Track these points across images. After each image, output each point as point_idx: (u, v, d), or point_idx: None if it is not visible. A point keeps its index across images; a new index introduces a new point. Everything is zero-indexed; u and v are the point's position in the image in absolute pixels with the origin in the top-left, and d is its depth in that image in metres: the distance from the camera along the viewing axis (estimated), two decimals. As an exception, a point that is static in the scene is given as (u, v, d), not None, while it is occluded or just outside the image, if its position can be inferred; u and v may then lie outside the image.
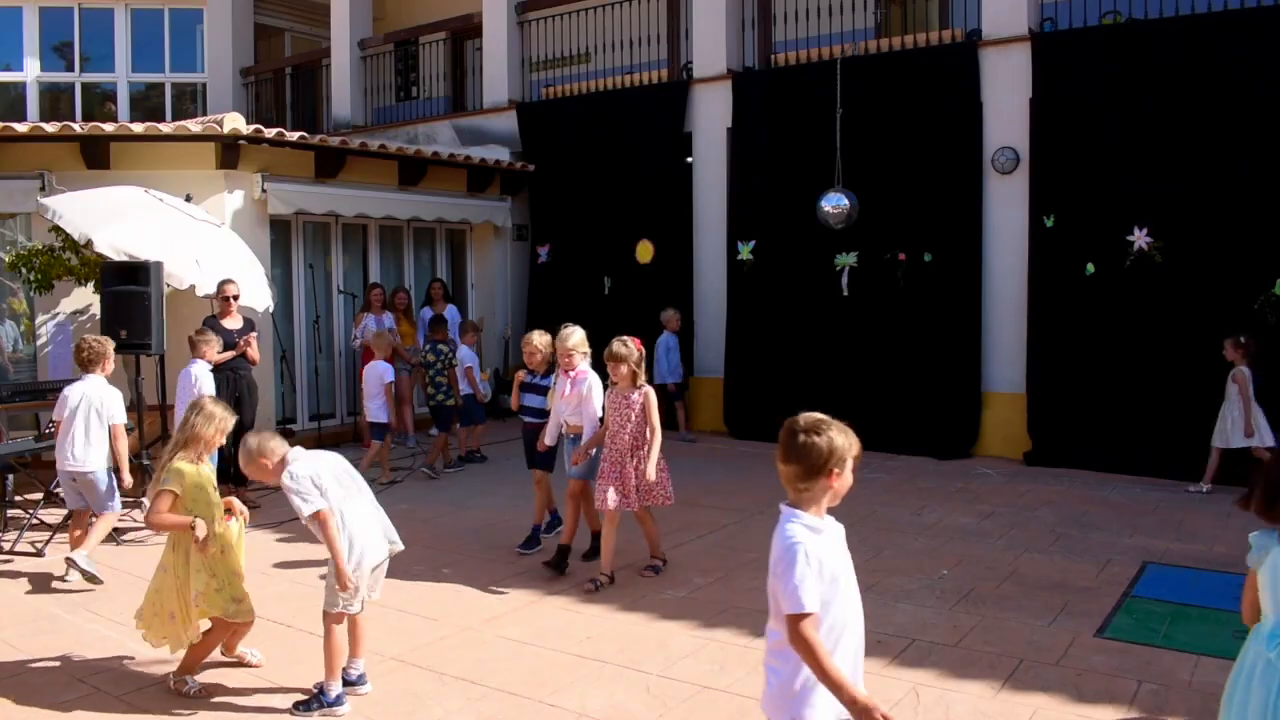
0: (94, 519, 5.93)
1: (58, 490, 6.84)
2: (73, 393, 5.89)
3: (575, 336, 5.94)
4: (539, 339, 6.39)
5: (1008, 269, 9.30)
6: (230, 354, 7.63)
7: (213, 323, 7.72)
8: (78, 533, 5.91)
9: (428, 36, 14.14)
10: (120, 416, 5.96)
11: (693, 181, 11.14)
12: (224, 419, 4.34)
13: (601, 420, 5.80)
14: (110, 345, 6.11)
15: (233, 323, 7.80)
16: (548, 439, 6.11)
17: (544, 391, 6.36)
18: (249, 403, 7.73)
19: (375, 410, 8.50)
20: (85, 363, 5.93)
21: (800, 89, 10.27)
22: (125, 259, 7.24)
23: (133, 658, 4.57)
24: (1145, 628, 4.83)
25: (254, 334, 7.87)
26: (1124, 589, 5.41)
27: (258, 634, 4.72)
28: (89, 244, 7.46)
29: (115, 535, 6.64)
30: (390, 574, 5.79)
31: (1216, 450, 7.72)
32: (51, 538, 6.50)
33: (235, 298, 7.78)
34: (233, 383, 7.65)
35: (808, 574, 2.44)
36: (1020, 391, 9.20)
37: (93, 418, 5.85)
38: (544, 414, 6.26)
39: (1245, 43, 8.12)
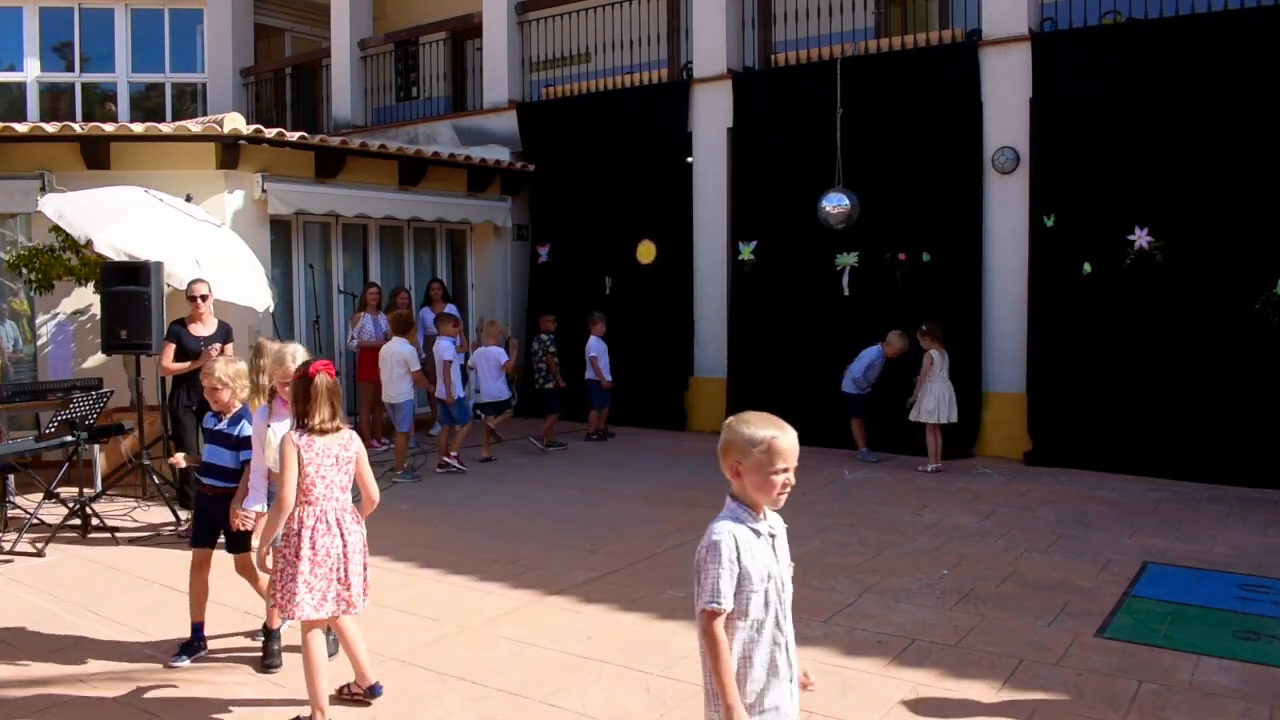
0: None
1: (58, 490, 6.86)
2: (384, 351, 8.83)
3: (302, 354, 4.40)
4: (225, 368, 4.74)
5: (1008, 269, 9.30)
6: (188, 365, 6.83)
7: (177, 330, 6.90)
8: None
9: (428, 36, 14.14)
10: (416, 364, 8.82)
11: (693, 181, 11.14)
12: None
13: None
14: (413, 315, 9.09)
15: (203, 329, 7.00)
16: (253, 503, 4.51)
17: (233, 444, 4.67)
18: None
19: (494, 391, 9.43)
20: (399, 331, 8.83)
21: (800, 89, 10.27)
22: (125, 259, 7.23)
23: (134, 658, 4.57)
24: (1145, 628, 4.83)
25: (227, 344, 6.94)
26: (1124, 589, 5.41)
27: (257, 634, 4.74)
28: (89, 244, 7.46)
29: (116, 538, 6.66)
30: (390, 574, 5.83)
31: (929, 427, 8.68)
32: (51, 537, 6.50)
33: (204, 298, 6.97)
34: (201, 399, 6.10)
35: None
36: (1020, 391, 9.20)
37: (396, 368, 8.51)
38: (235, 475, 4.65)
39: (1245, 43, 8.12)
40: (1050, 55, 9.02)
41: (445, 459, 9.03)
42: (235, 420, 4.71)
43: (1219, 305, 8.17)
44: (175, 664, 4.49)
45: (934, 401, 8.61)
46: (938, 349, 8.67)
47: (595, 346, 10.37)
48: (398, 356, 8.83)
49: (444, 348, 9.04)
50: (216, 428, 4.74)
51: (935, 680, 4.22)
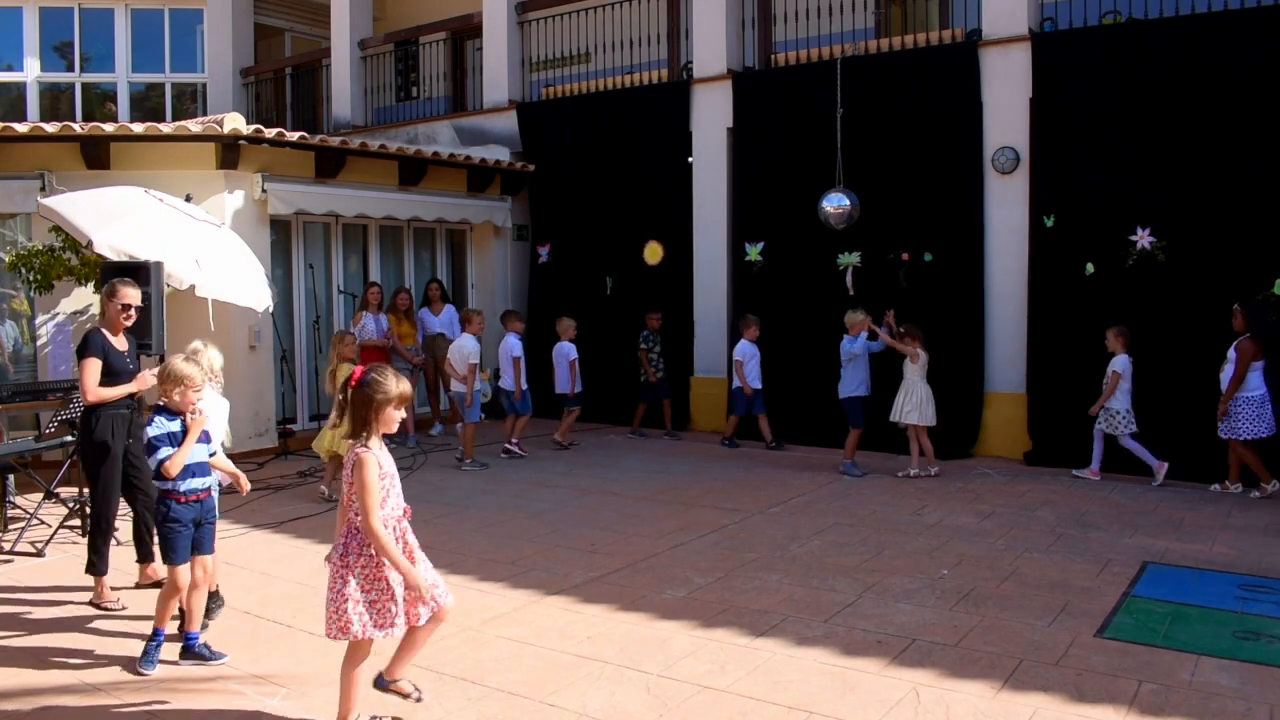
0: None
1: (58, 490, 6.86)
2: (453, 347, 9.20)
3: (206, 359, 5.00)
4: (199, 366, 4.73)
5: (1008, 269, 9.31)
6: (123, 390, 5.29)
7: (102, 342, 5.29)
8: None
9: (428, 36, 14.15)
10: (475, 359, 9.04)
11: (693, 182, 11.14)
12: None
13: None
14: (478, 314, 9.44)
15: (124, 344, 5.48)
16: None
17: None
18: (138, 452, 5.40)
19: (561, 384, 10.08)
20: (464, 323, 9.30)
21: (800, 89, 10.27)
22: (125, 259, 7.22)
23: (134, 658, 4.56)
24: (1145, 628, 4.83)
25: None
26: (1124, 589, 5.41)
27: (257, 635, 4.74)
28: (89, 244, 7.45)
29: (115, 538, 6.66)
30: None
31: (914, 429, 8.51)
32: (52, 537, 6.50)
33: (139, 309, 5.53)
34: (125, 426, 5.40)
35: None
36: (1020, 391, 9.20)
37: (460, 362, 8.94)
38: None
39: (1245, 43, 8.13)
40: (1050, 55, 9.02)
41: (508, 446, 9.56)
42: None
43: (1220, 305, 8.16)
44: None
45: (914, 403, 8.43)
46: (920, 348, 8.49)
47: (743, 350, 9.81)
48: (464, 351, 9.12)
49: (512, 344, 9.50)
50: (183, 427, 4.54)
51: (935, 680, 4.22)
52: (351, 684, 3.71)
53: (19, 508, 7.03)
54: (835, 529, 6.80)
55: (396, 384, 3.69)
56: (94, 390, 5.19)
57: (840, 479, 8.49)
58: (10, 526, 6.72)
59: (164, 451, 4.46)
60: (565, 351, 10.04)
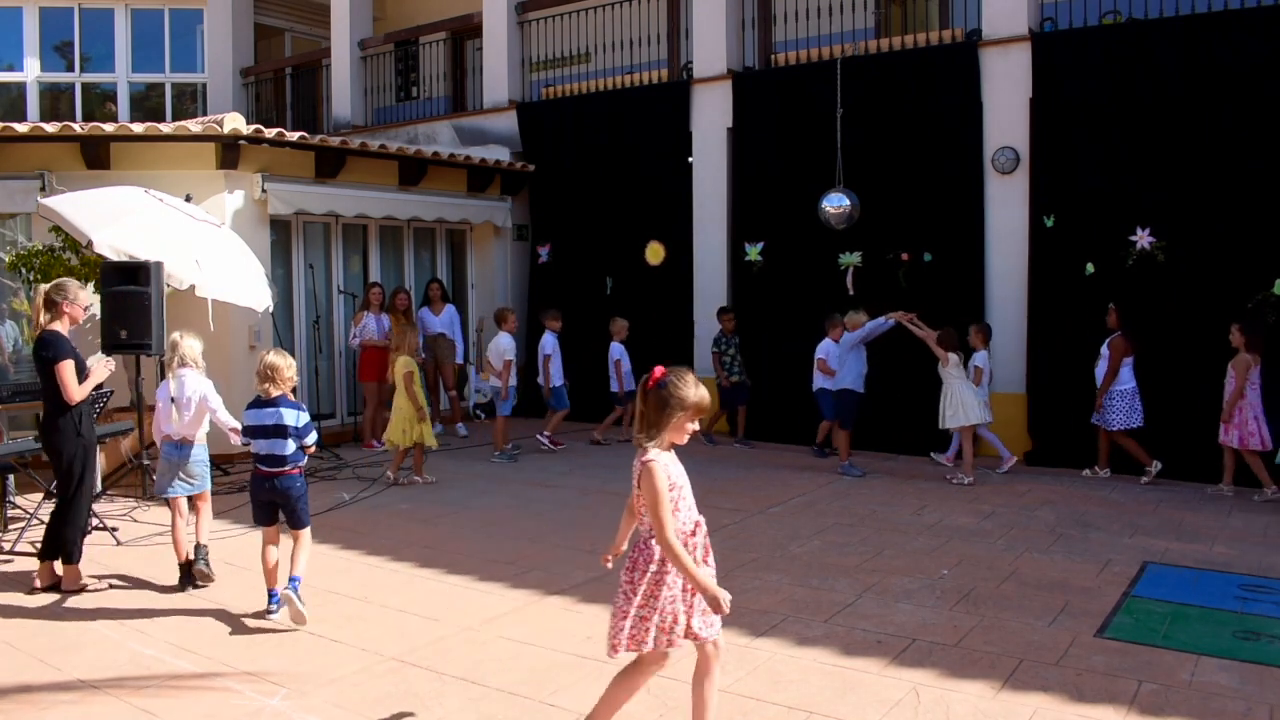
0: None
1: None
2: (490, 346, 9.60)
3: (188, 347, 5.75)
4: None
5: (1008, 269, 9.31)
6: (92, 384, 5.64)
7: (66, 341, 5.55)
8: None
9: (428, 36, 14.16)
10: (511, 355, 9.32)
11: (693, 182, 11.14)
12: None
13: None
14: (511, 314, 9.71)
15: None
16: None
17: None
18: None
19: (614, 383, 10.46)
20: (499, 321, 9.56)
21: (800, 89, 10.28)
22: (125, 259, 7.23)
23: (134, 658, 4.56)
24: (1145, 628, 4.83)
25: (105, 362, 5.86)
26: (1124, 589, 5.42)
27: (257, 634, 4.74)
28: (89, 244, 7.45)
29: (115, 538, 6.67)
30: (390, 574, 5.83)
31: (962, 431, 8.45)
32: (52, 538, 6.49)
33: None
34: (88, 422, 5.71)
35: None
36: (1020, 391, 9.20)
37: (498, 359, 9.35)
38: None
39: (1245, 42, 8.13)
40: (1050, 55, 9.02)
41: (538, 438, 9.93)
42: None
43: (1220, 305, 8.16)
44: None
45: (955, 406, 8.30)
46: (952, 352, 8.39)
47: (826, 349, 9.24)
48: (500, 348, 9.48)
49: (545, 342, 9.88)
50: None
51: (935, 680, 4.22)
52: (614, 697, 3.53)
53: (19, 508, 7.03)
54: (835, 529, 6.80)
55: (695, 391, 3.35)
56: (79, 389, 5.51)
57: (840, 479, 8.49)
58: (10, 526, 6.72)
59: (314, 434, 5.14)
60: (611, 353, 10.37)
